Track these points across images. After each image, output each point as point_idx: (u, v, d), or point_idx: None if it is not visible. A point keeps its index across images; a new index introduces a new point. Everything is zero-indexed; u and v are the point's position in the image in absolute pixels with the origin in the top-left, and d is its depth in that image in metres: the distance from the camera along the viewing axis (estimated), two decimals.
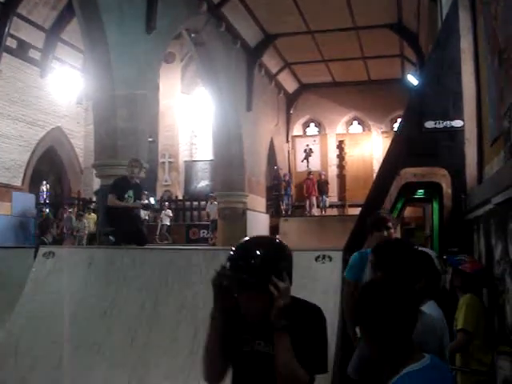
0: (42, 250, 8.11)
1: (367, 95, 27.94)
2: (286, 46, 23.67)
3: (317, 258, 6.48)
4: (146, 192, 11.73)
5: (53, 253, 7.93)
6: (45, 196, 28.26)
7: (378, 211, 5.98)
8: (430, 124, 6.84)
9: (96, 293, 7.48)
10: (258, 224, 21.60)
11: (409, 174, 6.99)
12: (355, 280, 5.37)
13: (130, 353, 6.74)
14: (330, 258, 6.46)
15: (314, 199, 26.50)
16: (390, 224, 5.40)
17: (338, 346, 5.72)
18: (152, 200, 10.68)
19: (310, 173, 27.08)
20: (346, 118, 30.16)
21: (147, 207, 10.68)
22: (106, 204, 10.32)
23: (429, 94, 7.12)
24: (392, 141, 7.48)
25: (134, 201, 10.15)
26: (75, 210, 23.57)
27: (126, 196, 10.02)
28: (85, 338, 7.05)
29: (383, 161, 7.36)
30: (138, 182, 10.55)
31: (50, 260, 7.85)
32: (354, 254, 5.73)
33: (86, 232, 21.22)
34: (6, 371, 6.86)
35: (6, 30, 20.96)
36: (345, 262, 6.38)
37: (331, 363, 5.51)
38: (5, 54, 21.37)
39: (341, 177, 28.63)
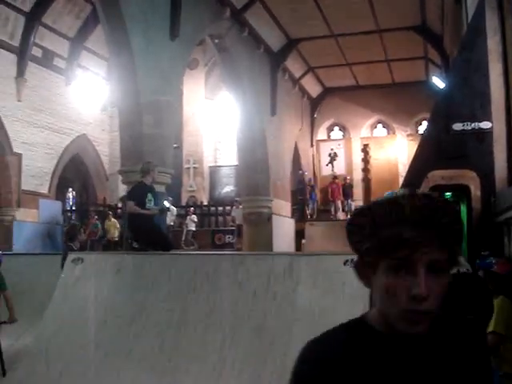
0: (71, 256, 8.16)
1: (391, 98, 27.79)
2: (310, 49, 23.65)
3: (345, 262, 6.45)
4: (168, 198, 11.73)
5: (81, 259, 7.98)
6: (71, 203, 28.49)
7: None
8: (457, 126, 6.79)
9: (125, 298, 7.52)
10: (284, 228, 21.56)
11: (437, 176, 6.94)
12: None
13: (159, 358, 6.76)
14: None
15: (339, 203, 26.42)
16: None
17: None
18: (166, 203, 10.70)
19: (335, 177, 27.01)
20: (370, 122, 30.03)
21: (162, 211, 10.69)
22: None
23: (456, 96, 7.06)
24: (419, 143, 7.44)
25: (155, 203, 10.19)
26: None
27: (147, 200, 10.07)
28: (114, 343, 7.09)
29: (411, 164, 7.30)
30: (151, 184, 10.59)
31: (79, 266, 7.90)
32: None
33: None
34: (38, 376, 6.92)
35: (32, 39, 21.25)
36: None
37: None
38: (30, 63, 21.67)
39: (366, 180, 28.51)
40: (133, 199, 10.14)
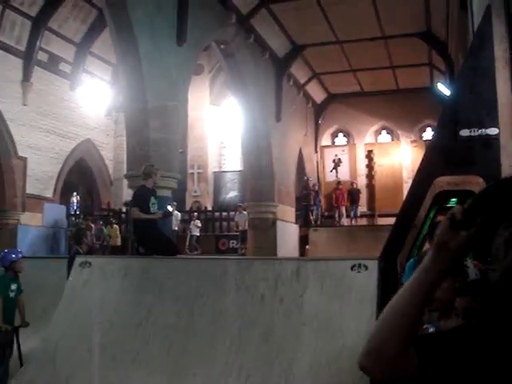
0: (79, 259, 8.20)
1: (396, 104, 27.82)
2: (315, 56, 23.70)
3: (352, 267, 6.48)
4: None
5: (89, 263, 8.02)
6: (75, 207, 28.55)
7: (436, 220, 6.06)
8: (465, 132, 6.80)
9: (132, 302, 7.55)
10: (288, 234, 21.59)
11: (443, 182, 6.95)
12: None
13: (166, 361, 6.79)
14: (366, 267, 6.46)
15: (343, 209, 26.43)
16: None
17: None
18: (169, 208, 10.68)
19: (339, 182, 27.02)
20: (374, 128, 30.05)
21: (166, 215, 10.68)
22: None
23: (463, 103, 7.08)
24: (426, 149, 7.47)
25: (158, 206, 10.19)
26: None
27: (151, 204, 10.08)
28: (122, 346, 7.12)
29: (418, 170, 7.30)
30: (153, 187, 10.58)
31: (87, 270, 7.94)
32: (411, 260, 5.79)
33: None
34: (45, 379, 6.95)
35: (38, 43, 21.36)
36: (380, 270, 6.38)
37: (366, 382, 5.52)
38: (36, 68, 21.77)
39: (370, 186, 28.48)
40: (137, 204, 10.15)
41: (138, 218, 10.02)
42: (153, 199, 10.13)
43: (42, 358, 7.26)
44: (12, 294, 7.94)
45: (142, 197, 10.17)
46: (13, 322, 7.86)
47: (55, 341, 7.32)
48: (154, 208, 10.04)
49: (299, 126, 26.73)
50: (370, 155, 28.86)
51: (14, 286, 7.98)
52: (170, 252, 9.81)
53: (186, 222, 24.35)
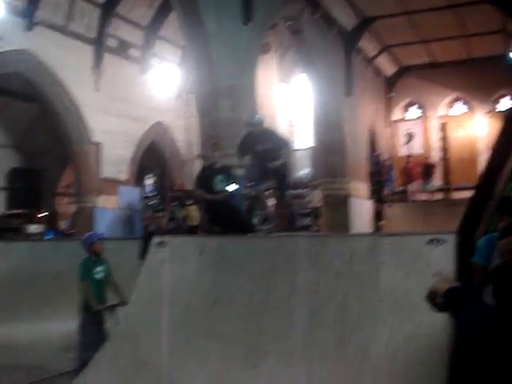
0: (155, 240, 8.31)
1: (469, 74, 27.02)
2: (383, 28, 23.23)
3: (429, 242, 6.34)
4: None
5: (165, 242, 8.12)
6: (148, 189, 28.96)
7: (508, 196, 5.81)
8: None
9: (208, 281, 7.61)
10: (362, 210, 21.41)
11: None
12: (484, 264, 5.23)
13: (243, 340, 6.83)
14: (443, 242, 6.31)
15: (417, 183, 25.95)
16: None
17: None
18: (230, 187, 10.39)
19: (410, 156, 26.53)
20: (447, 100, 29.28)
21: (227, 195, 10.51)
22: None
23: None
24: (504, 120, 7.22)
25: (227, 184, 10.15)
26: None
27: (218, 182, 10.08)
28: (198, 325, 7.20)
29: (495, 141, 7.08)
30: (223, 165, 10.52)
31: (163, 249, 8.04)
32: (482, 238, 5.60)
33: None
34: (125, 357, 7.10)
35: (107, 30, 21.68)
36: (458, 245, 6.23)
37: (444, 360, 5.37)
38: (106, 54, 22.10)
39: (444, 160, 27.81)
40: (198, 186, 10.24)
41: (201, 199, 10.14)
42: (219, 177, 10.14)
43: (121, 339, 7.41)
44: (98, 276, 8.09)
45: (201, 178, 10.27)
46: (104, 303, 8.05)
47: (134, 321, 7.46)
48: (221, 186, 10.06)
49: (370, 101, 26.33)
50: (443, 128, 28.19)
51: (99, 268, 8.13)
52: (244, 230, 9.83)
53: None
